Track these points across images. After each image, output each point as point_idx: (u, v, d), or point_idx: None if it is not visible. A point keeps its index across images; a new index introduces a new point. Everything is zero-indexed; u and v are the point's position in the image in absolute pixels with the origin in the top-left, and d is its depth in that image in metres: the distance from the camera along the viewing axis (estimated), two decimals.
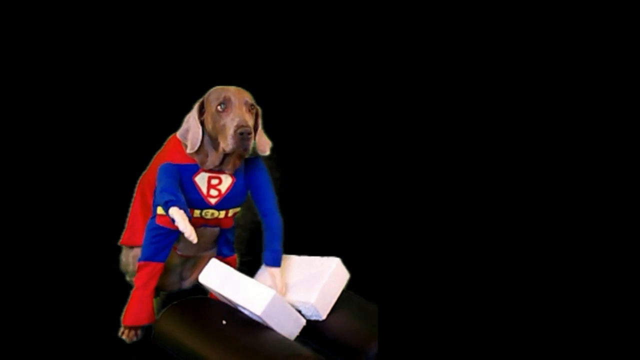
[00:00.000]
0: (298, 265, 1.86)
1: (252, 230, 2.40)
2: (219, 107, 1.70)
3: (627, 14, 1.21)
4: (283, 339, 1.63)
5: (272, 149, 1.84)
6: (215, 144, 1.74)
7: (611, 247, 1.20)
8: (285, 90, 1.90)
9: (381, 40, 1.41)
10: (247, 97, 1.74)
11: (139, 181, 1.92)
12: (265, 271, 1.87)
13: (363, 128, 2.61)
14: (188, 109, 1.80)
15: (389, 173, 1.33)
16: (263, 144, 1.82)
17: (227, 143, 1.68)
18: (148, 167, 1.88)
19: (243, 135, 1.67)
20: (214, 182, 1.78)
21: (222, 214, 1.82)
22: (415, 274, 1.29)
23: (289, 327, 1.70)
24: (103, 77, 2.60)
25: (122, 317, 1.80)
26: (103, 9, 2.57)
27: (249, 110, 1.73)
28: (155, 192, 1.75)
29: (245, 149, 1.70)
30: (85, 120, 2.58)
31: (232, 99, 1.70)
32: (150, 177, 1.85)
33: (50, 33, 2.51)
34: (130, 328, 1.79)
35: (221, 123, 1.70)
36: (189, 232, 1.59)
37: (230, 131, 1.67)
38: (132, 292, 1.82)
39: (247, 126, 1.67)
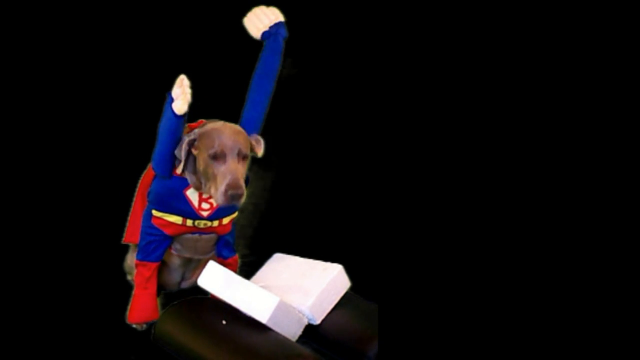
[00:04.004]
0: (299, 267, 1.86)
1: (254, 229, 2.41)
2: (211, 157, 1.66)
3: (627, 14, 1.21)
4: (283, 339, 1.63)
5: (273, 150, 1.84)
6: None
7: (611, 247, 1.20)
8: (285, 90, 1.90)
9: (377, 39, 1.41)
10: (242, 144, 1.69)
11: (140, 181, 1.92)
12: (267, 269, 1.88)
13: (362, 128, 2.61)
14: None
15: (389, 173, 1.33)
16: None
17: (216, 197, 1.66)
18: (148, 167, 1.88)
19: (234, 197, 1.64)
20: (205, 196, 1.76)
21: (216, 223, 1.82)
22: (415, 274, 1.29)
23: (292, 329, 1.70)
24: (105, 77, 2.60)
25: (126, 315, 1.83)
26: (105, 10, 2.57)
27: (242, 160, 1.69)
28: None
29: (234, 206, 1.72)
30: (87, 121, 2.58)
31: (226, 151, 1.66)
32: (150, 177, 1.85)
33: (51, 33, 2.51)
34: (135, 324, 1.83)
35: (212, 171, 1.67)
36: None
37: (221, 187, 1.64)
38: (133, 291, 1.85)
39: (240, 187, 1.64)
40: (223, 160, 1.66)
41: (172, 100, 1.66)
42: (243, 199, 1.67)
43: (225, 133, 1.68)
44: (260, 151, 1.77)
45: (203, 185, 1.73)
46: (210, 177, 1.68)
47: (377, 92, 1.58)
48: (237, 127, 1.74)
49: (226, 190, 1.63)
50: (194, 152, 1.72)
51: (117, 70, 2.61)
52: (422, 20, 1.31)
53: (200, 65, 2.62)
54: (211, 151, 1.66)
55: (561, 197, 1.23)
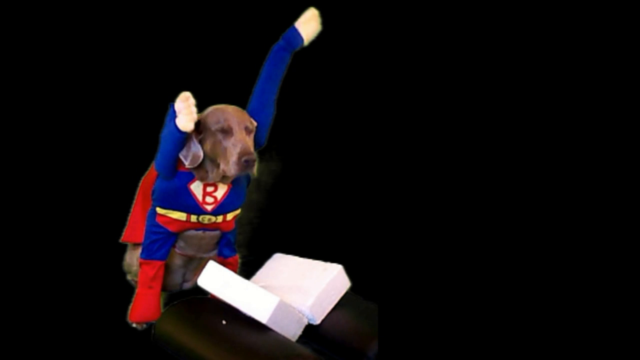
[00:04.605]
0: (299, 267, 1.86)
1: (254, 229, 2.41)
2: (219, 132, 1.69)
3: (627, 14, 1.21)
4: (283, 339, 1.63)
5: (274, 149, 1.84)
6: (215, 164, 1.73)
7: (611, 247, 1.20)
8: (285, 90, 1.90)
9: (378, 39, 1.41)
10: (247, 120, 1.73)
11: (140, 181, 1.92)
12: (267, 269, 1.88)
13: (363, 128, 2.61)
14: None
15: (389, 173, 1.33)
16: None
17: (229, 168, 1.68)
18: (150, 167, 1.88)
19: (248, 163, 1.67)
20: (210, 189, 1.77)
21: (220, 218, 1.82)
22: (414, 274, 1.29)
23: (292, 329, 1.70)
24: (105, 77, 2.60)
25: (128, 314, 1.83)
26: (105, 10, 2.57)
27: (248, 134, 1.72)
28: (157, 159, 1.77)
29: (249, 174, 1.72)
30: (87, 121, 2.58)
31: (233, 125, 1.69)
32: (151, 177, 1.85)
33: (54, 36, 2.51)
34: (136, 323, 1.84)
35: (222, 146, 1.69)
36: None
37: (233, 157, 1.67)
38: (136, 290, 1.85)
39: (252, 153, 1.67)
40: (231, 133, 1.69)
41: (174, 112, 1.67)
42: (256, 166, 1.69)
43: (228, 110, 1.73)
44: (255, 123, 1.79)
45: (209, 172, 1.74)
46: (220, 153, 1.69)
47: (377, 92, 1.58)
48: (237, 107, 1.77)
49: (239, 158, 1.66)
50: (200, 136, 1.73)
51: (119, 71, 2.61)
52: (423, 20, 1.31)
53: (202, 67, 2.63)
54: (218, 125, 1.69)
55: (561, 197, 1.23)
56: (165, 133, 1.73)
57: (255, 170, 1.70)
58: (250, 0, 2.59)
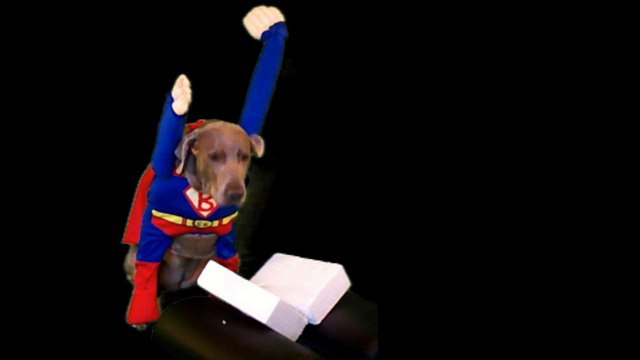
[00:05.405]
0: (299, 267, 1.86)
1: (254, 229, 2.41)
2: (211, 157, 1.66)
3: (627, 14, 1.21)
4: (283, 339, 1.63)
5: (273, 150, 1.84)
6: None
7: (611, 247, 1.20)
8: (285, 90, 1.91)
9: (377, 39, 1.41)
10: (242, 144, 1.68)
11: (140, 180, 1.92)
12: (267, 269, 1.88)
13: (362, 128, 2.61)
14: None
15: (389, 173, 1.33)
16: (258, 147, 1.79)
17: (216, 197, 1.65)
18: (148, 167, 1.88)
19: (234, 197, 1.64)
20: (206, 195, 1.76)
21: (216, 223, 1.82)
22: (414, 274, 1.29)
23: (292, 329, 1.70)
24: (105, 78, 2.60)
25: (126, 315, 1.83)
26: (104, 10, 2.57)
27: (242, 160, 1.69)
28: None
29: (234, 206, 1.72)
30: (87, 121, 2.58)
31: (226, 151, 1.66)
32: (150, 177, 1.85)
33: (50, 33, 2.51)
34: (135, 324, 1.84)
35: (213, 172, 1.67)
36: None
37: (221, 187, 1.64)
38: (133, 291, 1.85)
39: (239, 187, 1.64)
40: (223, 160, 1.66)
41: (172, 100, 1.66)
42: (243, 199, 1.67)
43: (225, 133, 1.69)
44: (260, 151, 1.77)
45: (203, 185, 1.73)
46: (210, 177, 1.68)
47: (377, 92, 1.58)
48: (237, 127, 1.74)
49: (226, 190, 1.63)
50: (194, 152, 1.72)
51: (117, 70, 2.61)
52: (422, 20, 1.31)
53: (200, 65, 2.62)
54: (211, 151, 1.66)
55: (561, 197, 1.23)
56: (163, 121, 1.72)
57: (240, 204, 1.67)
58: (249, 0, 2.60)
